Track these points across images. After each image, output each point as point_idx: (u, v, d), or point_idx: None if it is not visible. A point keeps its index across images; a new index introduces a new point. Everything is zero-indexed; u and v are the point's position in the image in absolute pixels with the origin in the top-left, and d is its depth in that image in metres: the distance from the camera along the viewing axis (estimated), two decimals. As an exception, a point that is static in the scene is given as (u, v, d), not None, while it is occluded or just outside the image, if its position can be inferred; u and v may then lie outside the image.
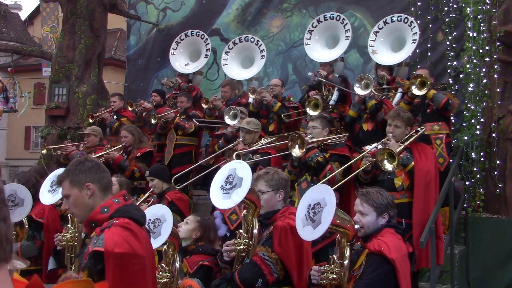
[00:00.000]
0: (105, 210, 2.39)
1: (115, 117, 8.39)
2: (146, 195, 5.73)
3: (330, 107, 6.78)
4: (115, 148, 7.11)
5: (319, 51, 7.91)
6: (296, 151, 5.19)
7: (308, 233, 3.06)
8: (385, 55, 7.26)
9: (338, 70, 7.54)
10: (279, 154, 6.03)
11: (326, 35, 8.02)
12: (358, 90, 6.20)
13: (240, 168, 3.37)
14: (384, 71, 6.93)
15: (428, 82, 5.76)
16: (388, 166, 4.67)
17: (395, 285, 3.07)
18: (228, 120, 6.78)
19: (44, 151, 8.04)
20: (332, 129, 6.07)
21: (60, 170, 3.89)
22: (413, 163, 4.90)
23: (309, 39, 7.99)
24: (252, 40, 8.66)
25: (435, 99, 5.95)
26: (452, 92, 7.13)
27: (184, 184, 6.39)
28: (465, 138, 6.41)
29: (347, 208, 5.12)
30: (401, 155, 4.90)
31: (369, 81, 6.18)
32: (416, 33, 7.03)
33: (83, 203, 2.47)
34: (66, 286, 1.26)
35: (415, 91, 5.77)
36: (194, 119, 7.47)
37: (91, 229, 2.48)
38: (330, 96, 7.08)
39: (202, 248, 4.31)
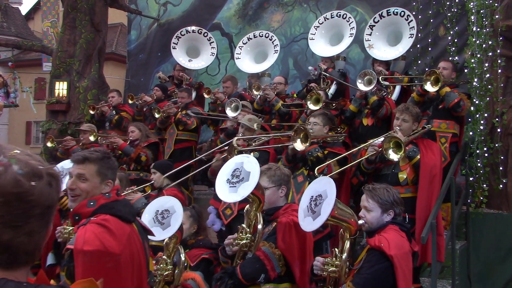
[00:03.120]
0: (91, 204, 2.37)
1: (114, 112, 8.40)
2: (145, 185, 5.76)
3: (333, 104, 6.77)
4: (121, 137, 7.23)
5: (323, 47, 7.93)
6: (298, 145, 5.11)
7: (308, 224, 3.07)
8: (382, 49, 7.25)
9: (338, 67, 7.56)
10: (275, 145, 6.02)
11: (332, 32, 8.04)
12: (361, 86, 6.16)
13: (247, 162, 3.35)
14: (381, 66, 6.92)
15: (442, 79, 5.63)
16: (393, 156, 4.62)
17: (393, 282, 3.06)
18: (229, 112, 6.77)
19: (49, 144, 8.06)
20: (332, 127, 6.06)
21: (66, 163, 3.89)
22: (419, 156, 4.88)
23: (314, 34, 8.02)
24: (267, 35, 8.67)
25: (447, 97, 5.87)
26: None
27: (181, 179, 6.32)
28: (470, 133, 6.38)
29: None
30: (407, 148, 4.87)
31: (372, 77, 6.15)
32: (413, 27, 7.00)
33: (95, 194, 2.46)
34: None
35: (429, 87, 5.61)
36: (189, 111, 7.46)
37: (74, 221, 2.47)
38: (328, 90, 7.11)
39: (203, 242, 4.34)
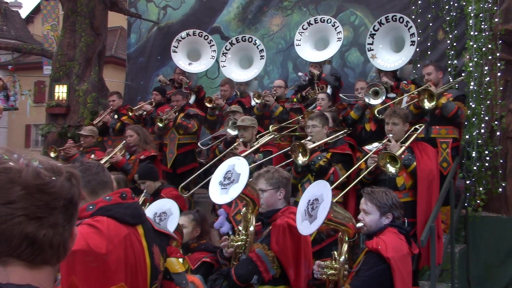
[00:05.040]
0: (90, 207, 2.37)
1: (115, 116, 8.39)
2: (142, 198, 5.69)
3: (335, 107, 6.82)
4: (118, 148, 7.15)
5: (311, 52, 8.01)
6: (301, 159, 5.20)
7: (305, 227, 3.08)
8: (386, 58, 7.25)
9: (325, 71, 7.62)
10: (281, 151, 6.05)
11: (316, 37, 8.12)
12: (371, 101, 6.16)
13: (238, 164, 3.38)
14: (388, 75, 6.92)
15: (436, 93, 5.64)
16: (392, 169, 4.66)
17: (391, 284, 3.07)
18: (230, 131, 6.78)
19: (52, 154, 7.94)
20: (334, 129, 6.06)
21: None
22: (415, 163, 4.90)
23: (300, 40, 8.10)
24: (250, 40, 8.74)
25: (445, 108, 5.93)
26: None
27: (191, 192, 6.36)
28: (467, 136, 6.40)
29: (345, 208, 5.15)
30: (403, 156, 4.89)
31: (379, 89, 6.14)
32: (413, 33, 7.01)
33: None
34: None
35: (426, 104, 5.64)
36: (199, 143, 7.56)
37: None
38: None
39: (204, 246, 4.35)
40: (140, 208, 2.50)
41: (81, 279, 2.05)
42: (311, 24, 8.17)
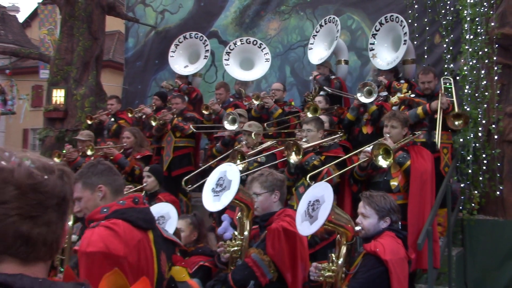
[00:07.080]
0: (105, 210, 2.39)
1: (112, 119, 8.39)
2: (136, 188, 5.73)
3: (333, 111, 6.83)
4: (116, 146, 7.18)
5: (320, 53, 8.02)
6: (294, 158, 5.22)
7: (305, 228, 3.08)
8: (383, 57, 7.31)
9: (342, 73, 7.61)
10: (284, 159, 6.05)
11: (324, 35, 8.13)
12: (362, 98, 6.18)
13: (230, 171, 3.39)
14: (386, 75, 6.97)
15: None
16: (382, 162, 4.66)
17: (388, 287, 3.08)
18: (227, 126, 6.77)
19: (56, 159, 7.84)
20: (330, 131, 6.08)
21: None
22: (409, 162, 4.92)
23: (313, 43, 8.12)
24: (255, 42, 8.77)
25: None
26: (448, 95, 7.15)
27: (194, 186, 6.36)
28: (461, 140, 6.43)
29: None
30: (397, 154, 4.90)
31: (372, 88, 6.17)
32: (405, 33, 7.06)
33: (95, 205, 2.49)
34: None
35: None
36: (191, 126, 7.49)
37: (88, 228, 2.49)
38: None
39: (202, 250, 4.36)
40: (151, 214, 2.50)
41: (97, 280, 2.06)
42: (322, 26, 8.21)
